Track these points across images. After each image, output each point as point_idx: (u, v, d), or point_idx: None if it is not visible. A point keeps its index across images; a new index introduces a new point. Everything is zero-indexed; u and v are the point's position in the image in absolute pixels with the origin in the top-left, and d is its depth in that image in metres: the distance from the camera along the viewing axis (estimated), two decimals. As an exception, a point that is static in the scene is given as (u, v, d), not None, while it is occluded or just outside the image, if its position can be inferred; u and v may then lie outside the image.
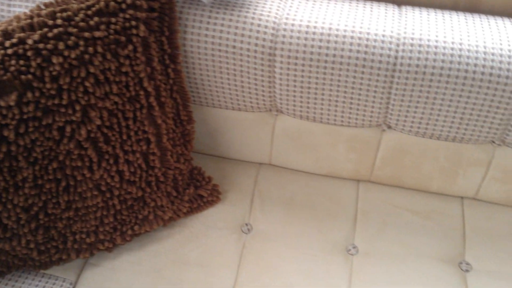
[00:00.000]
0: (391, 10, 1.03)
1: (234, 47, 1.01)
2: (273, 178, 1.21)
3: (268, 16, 1.01)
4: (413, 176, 1.13)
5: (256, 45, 1.00)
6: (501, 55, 0.93)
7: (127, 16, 0.90)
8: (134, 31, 0.91)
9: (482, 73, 0.93)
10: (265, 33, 1.00)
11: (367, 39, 0.97)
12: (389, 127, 1.07)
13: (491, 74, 0.93)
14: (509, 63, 0.92)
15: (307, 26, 0.99)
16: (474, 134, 1.01)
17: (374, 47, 0.96)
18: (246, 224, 1.12)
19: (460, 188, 1.13)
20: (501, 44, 0.94)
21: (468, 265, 1.05)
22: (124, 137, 0.96)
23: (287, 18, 1.01)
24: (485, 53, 0.93)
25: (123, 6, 0.90)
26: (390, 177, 1.16)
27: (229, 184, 1.20)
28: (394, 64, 0.96)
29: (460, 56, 0.93)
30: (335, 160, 1.16)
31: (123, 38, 0.90)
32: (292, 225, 1.12)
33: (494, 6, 1.04)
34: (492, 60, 0.93)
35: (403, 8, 1.03)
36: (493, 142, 1.03)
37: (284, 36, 0.99)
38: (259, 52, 1.01)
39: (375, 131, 1.09)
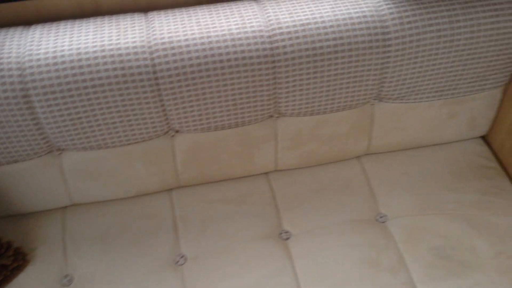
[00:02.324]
0: (138, 19, 1.01)
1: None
2: (82, 217, 1.14)
3: (9, 57, 0.93)
4: (216, 169, 1.16)
5: (5, 91, 0.91)
6: (247, 38, 0.98)
7: None
8: None
9: (236, 59, 0.97)
10: (11, 76, 0.92)
11: (120, 54, 0.94)
12: (177, 131, 1.08)
13: (243, 58, 0.97)
14: (255, 44, 0.98)
15: (54, 57, 0.93)
16: (252, 115, 1.07)
17: (129, 60, 0.94)
18: (66, 276, 1.04)
19: (260, 166, 1.19)
20: (244, 26, 0.99)
21: (287, 233, 1.11)
22: None
23: (30, 55, 0.93)
24: (232, 40, 0.98)
25: None
26: (197, 177, 1.17)
27: (35, 240, 1.09)
28: (154, 72, 0.96)
29: (211, 48, 0.96)
30: (138, 179, 1.13)
31: None
32: (114, 259, 1.06)
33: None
34: (240, 45, 0.97)
35: (150, 15, 1.03)
36: (272, 116, 1.10)
37: (32, 74, 0.92)
38: (12, 98, 0.92)
39: (165, 139, 1.08)
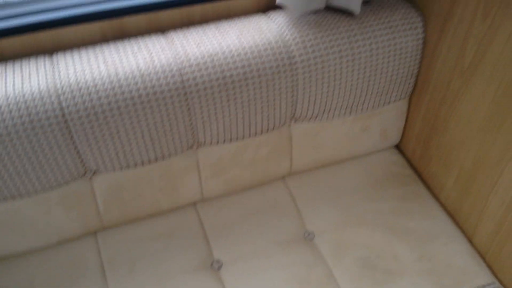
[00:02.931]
0: (43, 62, 0.99)
1: None
2: (2, 272, 1.07)
3: None
4: (140, 206, 1.14)
5: None
6: (156, 73, 0.98)
7: None
8: None
9: (146, 95, 0.97)
10: None
11: (25, 101, 0.92)
12: (95, 172, 1.05)
13: (154, 93, 0.97)
14: (165, 78, 0.98)
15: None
16: (170, 148, 1.06)
17: (35, 106, 0.92)
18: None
19: (186, 197, 1.18)
20: (152, 61, 0.99)
21: (218, 262, 1.11)
22: None
23: None
24: (141, 76, 0.97)
25: None
26: (121, 216, 1.14)
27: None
28: (63, 115, 0.93)
29: (120, 87, 0.96)
30: (59, 225, 1.09)
31: None
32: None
33: (139, 27, 1.09)
34: (150, 81, 0.97)
35: (55, 57, 1.01)
36: (191, 146, 1.10)
37: None
38: None
39: (83, 181, 1.06)
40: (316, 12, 1.11)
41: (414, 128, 1.26)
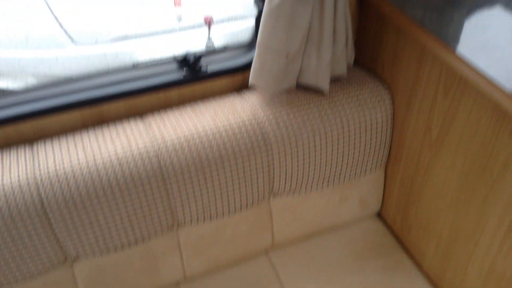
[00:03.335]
0: (23, 152, 1.02)
1: None
2: None
3: None
4: (122, 288, 1.14)
5: None
6: (133, 159, 1.01)
7: None
8: None
9: (124, 181, 0.99)
10: None
11: (5, 194, 0.93)
12: (75, 259, 1.05)
13: (132, 179, 0.99)
14: (143, 163, 1.01)
15: None
16: (150, 230, 1.07)
17: (14, 197, 0.93)
18: None
19: (168, 278, 1.17)
20: (130, 147, 1.02)
21: None
22: None
23: None
24: (119, 162, 1.00)
25: None
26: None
27: None
28: (42, 205, 0.95)
29: (98, 174, 0.98)
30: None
31: None
32: None
33: (119, 112, 1.13)
34: (127, 167, 1.00)
35: (35, 146, 1.04)
36: (171, 227, 1.11)
37: None
38: None
39: (65, 269, 1.06)
40: (288, 90, 1.15)
41: (392, 197, 1.27)
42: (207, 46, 2.58)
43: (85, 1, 2.52)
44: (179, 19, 2.58)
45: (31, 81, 2.62)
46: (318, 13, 1.02)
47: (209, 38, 2.56)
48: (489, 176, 0.93)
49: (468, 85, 0.93)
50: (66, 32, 2.50)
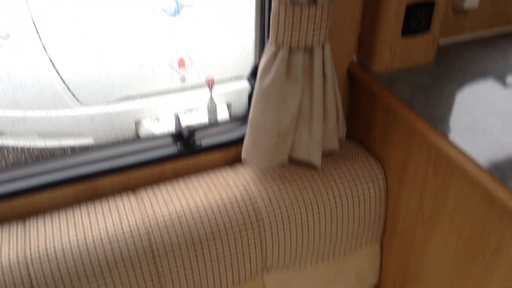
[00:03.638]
0: (15, 229, 1.02)
1: None
2: None
3: None
4: None
5: None
6: (124, 236, 1.01)
7: None
8: None
9: (114, 259, 0.98)
10: None
11: (-7, 270, 0.93)
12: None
13: (122, 257, 0.99)
14: (133, 240, 1.00)
15: None
16: None
17: (4, 279, 0.93)
18: None
19: None
20: (121, 223, 1.02)
21: None
22: None
23: None
24: (109, 240, 1.00)
25: None
26: None
27: None
28: (31, 285, 0.94)
29: (88, 252, 0.97)
30: None
31: None
32: None
33: (112, 187, 1.14)
34: (118, 244, 1.00)
35: (28, 222, 1.04)
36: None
37: None
38: None
39: None
40: (280, 165, 1.16)
41: (389, 272, 1.25)
42: (208, 107, 2.64)
43: (91, 62, 2.60)
44: (183, 80, 2.65)
45: (35, 139, 2.67)
46: (308, 92, 1.04)
47: (210, 99, 2.63)
48: (481, 260, 0.91)
49: (456, 167, 0.93)
50: (72, 94, 2.57)
